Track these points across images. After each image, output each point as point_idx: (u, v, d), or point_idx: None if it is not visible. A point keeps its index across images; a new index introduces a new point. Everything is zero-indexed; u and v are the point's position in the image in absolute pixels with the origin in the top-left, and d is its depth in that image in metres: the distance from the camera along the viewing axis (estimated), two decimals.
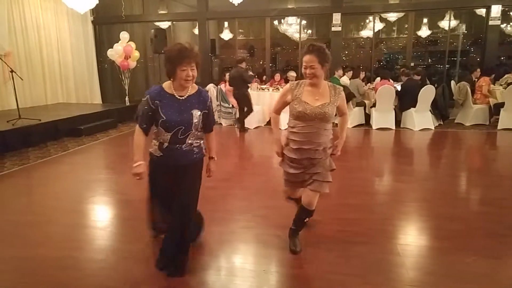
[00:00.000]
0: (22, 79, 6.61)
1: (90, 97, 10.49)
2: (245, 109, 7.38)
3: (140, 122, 2.26)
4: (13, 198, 3.98)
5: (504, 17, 10.13)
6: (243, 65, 7.35)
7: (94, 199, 3.93)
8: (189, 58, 2.16)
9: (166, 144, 2.26)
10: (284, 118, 2.62)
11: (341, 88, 2.52)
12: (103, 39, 11.17)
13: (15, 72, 6.13)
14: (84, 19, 10.11)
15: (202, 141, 2.40)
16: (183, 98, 2.26)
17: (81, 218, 3.35)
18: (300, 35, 11.15)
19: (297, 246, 2.64)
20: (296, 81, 2.52)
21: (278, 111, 2.62)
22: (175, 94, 2.25)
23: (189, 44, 2.21)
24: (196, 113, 2.26)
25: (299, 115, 2.40)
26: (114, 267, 2.53)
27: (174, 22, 11.57)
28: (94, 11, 10.01)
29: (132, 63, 9.34)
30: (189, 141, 2.29)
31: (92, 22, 10.55)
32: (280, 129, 2.74)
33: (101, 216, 3.54)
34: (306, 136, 2.42)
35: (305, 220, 2.64)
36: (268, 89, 8.35)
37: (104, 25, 11.26)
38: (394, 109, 7.36)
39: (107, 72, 11.36)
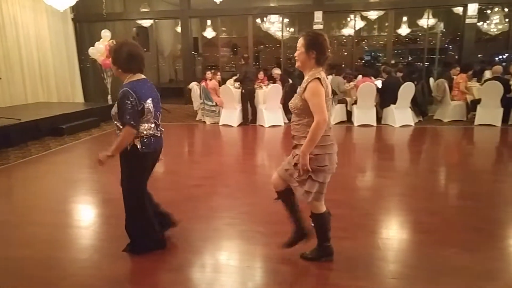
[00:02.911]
0: (0, 78, 6.43)
1: (72, 96, 10.31)
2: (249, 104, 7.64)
3: None
4: None
5: (481, 16, 10.45)
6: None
7: (76, 199, 3.90)
8: None
9: None
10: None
11: (315, 75, 2.13)
12: (84, 37, 10.96)
13: None
14: (64, 17, 9.90)
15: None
16: None
17: (63, 218, 3.33)
18: (282, 33, 11.20)
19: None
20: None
21: None
22: None
23: None
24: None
25: None
26: (97, 266, 2.54)
27: (156, 20, 11.45)
28: (74, 8, 9.79)
29: None
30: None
31: (73, 20, 10.37)
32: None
33: (84, 215, 3.52)
34: (292, 130, 2.30)
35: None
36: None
37: (85, 23, 11.06)
38: (375, 106, 7.52)
39: (89, 70, 11.12)
